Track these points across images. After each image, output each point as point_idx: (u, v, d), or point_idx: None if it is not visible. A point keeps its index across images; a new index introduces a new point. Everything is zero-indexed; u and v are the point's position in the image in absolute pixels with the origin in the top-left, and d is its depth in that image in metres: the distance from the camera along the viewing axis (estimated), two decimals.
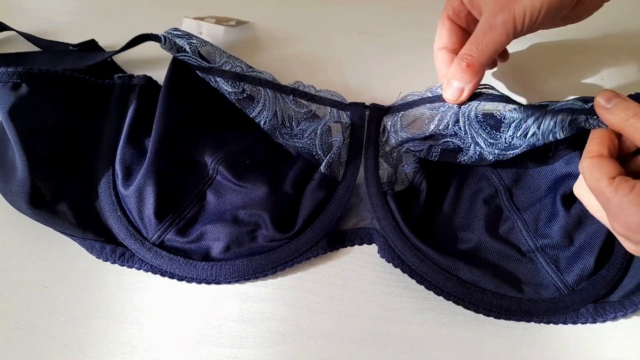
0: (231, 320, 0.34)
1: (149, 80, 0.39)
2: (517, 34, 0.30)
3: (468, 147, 0.34)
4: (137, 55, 0.43)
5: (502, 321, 0.32)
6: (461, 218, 0.35)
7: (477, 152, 0.33)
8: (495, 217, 0.35)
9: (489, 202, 0.36)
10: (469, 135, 0.33)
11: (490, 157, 0.33)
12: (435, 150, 0.35)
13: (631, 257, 0.33)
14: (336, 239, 0.36)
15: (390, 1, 0.49)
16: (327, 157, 0.35)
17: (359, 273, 0.35)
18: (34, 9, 0.51)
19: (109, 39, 0.46)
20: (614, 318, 0.32)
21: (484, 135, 0.33)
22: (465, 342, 0.32)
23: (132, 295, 0.34)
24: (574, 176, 0.33)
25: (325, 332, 0.33)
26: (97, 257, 0.35)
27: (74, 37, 0.46)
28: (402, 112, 0.37)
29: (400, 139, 0.36)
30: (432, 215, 0.36)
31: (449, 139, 0.35)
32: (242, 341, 0.33)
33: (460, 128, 0.34)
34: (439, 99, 0.35)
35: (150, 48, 0.39)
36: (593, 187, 0.27)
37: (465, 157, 0.34)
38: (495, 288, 0.32)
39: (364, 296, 0.34)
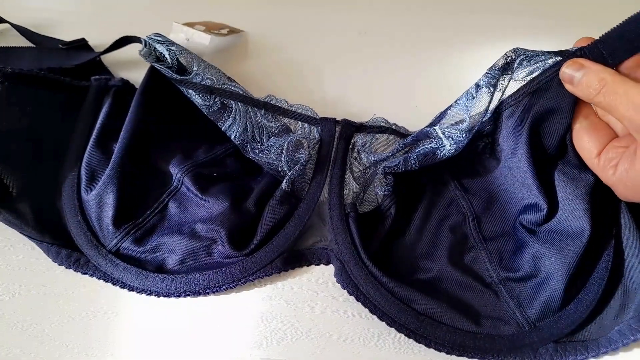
0: (231, 320, 0.34)
1: (125, 83, 0.39)
2: None
3: (443, 145, 0.33)
4: (127, 56, 0.43)
5: None
6: (424, 245, 0.34)
7: (453, 145, 0.32)
8: (460, 246, 0.34)
9: (456, 229, 0.34)
10: (444, 137, 0.33)
11: (466, 139, 0.32)
12: (412, 159, 0.34)
13: (605, 292, 0.30)
14: (292, 258, 0.35)
15: (383, 8, 0.49)
16: (289, 174, 0.34)
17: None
18: (32, 3, 0.51)
19: (109, 38, 0.46)
20: None
21: (457, 134, 0.32)
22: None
23: (132, 295, 0.34)
24: (539, 208, 0.31)
25: (325, 332, 0.33)
26: (52, 261, 0.34)
27: (73, 34, 0.46)
28: (373, 135, 0.37)
29: (373, 159, 0.36)
30: (395, 241, 0.34)
31: (422, 145, 0.34)
32: (242, 341, 0.33)
33: (433, 130, 0.33)
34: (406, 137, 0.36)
35: (138, 49, 0.38)
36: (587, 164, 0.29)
37: (445, 152, 0.33)
38: (451, 321, 0.30)
39: None
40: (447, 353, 0.30)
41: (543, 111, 0.30)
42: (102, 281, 0.34)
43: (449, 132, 0.33)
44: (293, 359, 0.32)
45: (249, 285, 0.34)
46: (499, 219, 0.34)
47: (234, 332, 0.33)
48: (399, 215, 0.34)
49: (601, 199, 0.30)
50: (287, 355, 0.32)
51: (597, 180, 0.30)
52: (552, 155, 0.31)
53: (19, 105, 0.34)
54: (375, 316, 0.32)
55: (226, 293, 0.34)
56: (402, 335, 0.32)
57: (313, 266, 0.35)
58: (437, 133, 0.33)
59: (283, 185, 0.34)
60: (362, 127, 0.38)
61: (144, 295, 0.34)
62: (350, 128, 0.38)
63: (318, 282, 0.35)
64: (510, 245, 0.33)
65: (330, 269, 0.35)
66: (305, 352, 0.32)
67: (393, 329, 0.32)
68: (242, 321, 0.33)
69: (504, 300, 0.31)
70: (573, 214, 0.30)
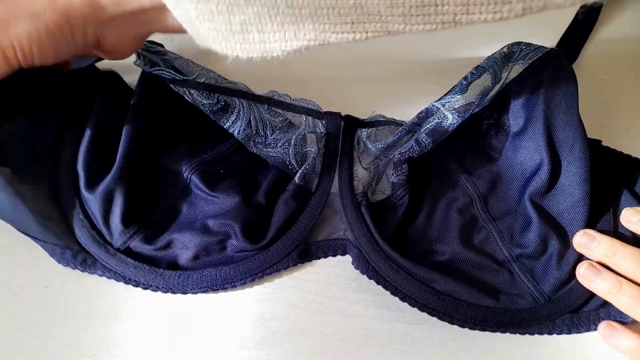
0: (231, 320, 0.34)
1: (115, 75, 0.38)
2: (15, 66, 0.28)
3: (445, 117, 0.34)
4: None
5: None
6: (436, 229, 0.35)
7: (456, 115, 0.34)
8: (470, 227, 0.35)
9: (464, 211, 0.35)
10: (444, 109, 0.34)
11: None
12: (423, 138, 0.34)
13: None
14: (308, 251, 0.35)
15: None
16: (302, 169, 0.35)
17: (360, 273, 0.35)
18: None
19: None
20: (589, 329, 0.31)
21: (458, 104, 0.34)
22: (464, 341, 0.33)
23: (132, 295, 0.34)
24: (543, 170, 0.33)
25: (325, 332, 0.33)
26: (58, 262, 0.34)
27: None
28: (375, 128, 0.38)
29: (381, 146, 0.36)
30: (407, 227, 0.35)
31: (427, 124, 0.35)
32: (242, 341, 0.33)
33: (432, 106, 0.35)
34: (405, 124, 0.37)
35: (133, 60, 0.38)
36: None
37: (449, 122, 0.34)
38: (471, 298, 0.31)
39: (364, 296, 0.34)
40: (470, 328, 0.31)
41: (552, 86, 0.33)
42: (101, 281, 0.34)
43: (449, 103, 0.34)
44: (293, 359, 0.32)
45: (248, 285, 0.34)
46: (504, 198, 0.35)
47: (233, 332, 0.33)
48: (410, 203, 0.35)
49: (600, 177, 0.32)
50: (287, 355, 0.32)
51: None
52: (562, 128, 0.33)
53: (11, 102, 0.33)
54: (382, 318, 0.33)
55: (225, 293, 0.34)
56: (401, 336, 0.33)
57: (313, 267, 0.35)
58: (437, 107, 0.34)
59: (296, 179, 0.34)
60: (364, 123, 0.39)
61: (143, 296, 0.34)
62: (353, 123, 0.38)
63: (318, 282, 0.35)
64: (519, 222, 0.34)
65: (329, 270, 0.35)
66: (305, 352, 0.32)
67: (391, 329, 0.33)
68: (242, 321, 0.34)
69: (518, 277, 0.32)
70: (572, 179, 0.32)
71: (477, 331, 0.33)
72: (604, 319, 0.31)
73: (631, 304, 0.29)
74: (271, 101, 0.38)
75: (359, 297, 0.34)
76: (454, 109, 0.34)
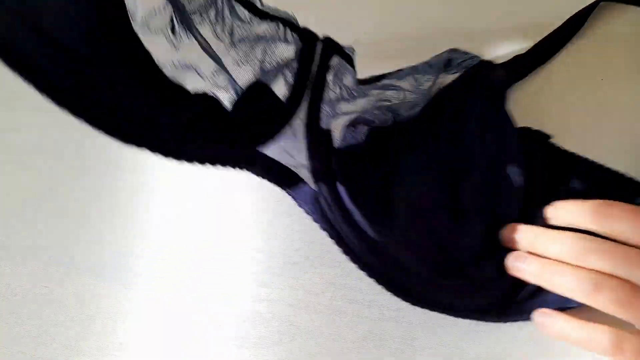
0: (231, 320, 0.34)
1: None
2: None
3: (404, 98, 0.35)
4: None
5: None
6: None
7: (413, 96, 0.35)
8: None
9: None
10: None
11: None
12: (387, 113, 0.34)
13: None
14: (259, 160, 0.31)
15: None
16: (275, 68, 0.31)
17: (359, 273, 0.35)
18: None
19: None
20: (515, 320, 0.31)
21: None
22: (464, 341, 0.32)
23: (132, 295, 0.34)
24: (475, 173, 0.32)
25: (325, 332, 0.33)
26: None
27: None
28: (346, 64, 0.34)
29: (345, 94, 0.34)
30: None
31: (387, 98, 0.35)
32: (242, 341, 0.33)
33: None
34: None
35: None
36: None
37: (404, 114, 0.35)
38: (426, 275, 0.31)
39: (364, 296, 0.34)
40: (420, 307, 0.31)
41: (481, 95, 0.34)
42: (101, 281, 0.34)
43: (408, 93, 0.35)
44: (293, 359, 0.32)
45: (248, 284, 0.34)
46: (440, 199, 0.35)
47: (233, 332, 0.33)
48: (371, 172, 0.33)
49: (541, 173, 0.32)
50: (287, 355, 0.32)
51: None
52: (493, 131, 0.33)
53: None
54: (382, 318, 0.33)
55: (226, 293, 0.34)
56: (401, 336, 0.33)
57: (312, 267, 0.35)
58: (399, 87, 0.35)
59: (263, 78, 0.31)
60: (341, 51, 0.34)
61: (143, 296, 0.34)
62: (331, 48, 0.34)
63: (318, 282, 0.35)
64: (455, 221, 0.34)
65: (329, 270, 0.35)
66: (305, 352, 0.32)
67: (391, 329, 0.33)
68: (242, 321, 0.34)
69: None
70: (506, 181, 0.32)
71: (476, 331, 0.33)
72: (532, 310, 0.31)
73: (550, 280, 0.28)
74: (241, 1, 0.31)
75: (359, 297, 0.34)
76: (414, 93, 0.34)
